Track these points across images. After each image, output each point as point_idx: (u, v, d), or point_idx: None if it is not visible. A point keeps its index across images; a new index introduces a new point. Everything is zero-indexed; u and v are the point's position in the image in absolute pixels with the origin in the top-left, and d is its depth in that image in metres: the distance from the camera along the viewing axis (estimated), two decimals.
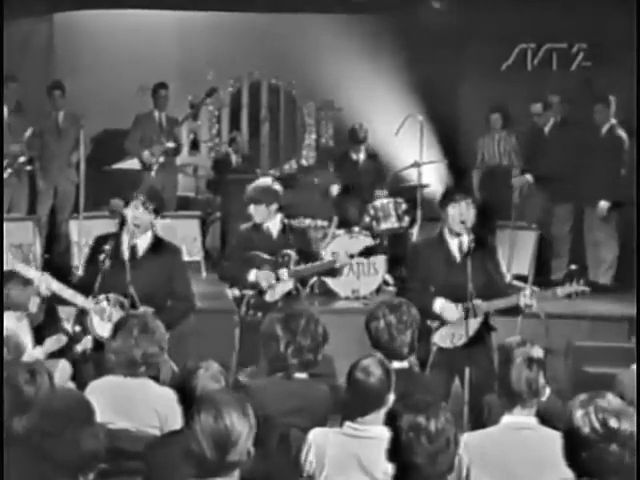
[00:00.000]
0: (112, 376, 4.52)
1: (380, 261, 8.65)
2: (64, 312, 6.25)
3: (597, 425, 2.91)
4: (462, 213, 5.65)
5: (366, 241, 8.31)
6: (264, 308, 6.39)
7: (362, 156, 9.43)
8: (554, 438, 3.31)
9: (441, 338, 5.63)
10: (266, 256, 6.46)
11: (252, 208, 6.53)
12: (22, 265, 5.80)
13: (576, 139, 9.18)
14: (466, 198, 5.71)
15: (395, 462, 3.20)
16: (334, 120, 11.59)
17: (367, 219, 8.81)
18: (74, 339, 5.79)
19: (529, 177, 9.43)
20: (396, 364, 4.48)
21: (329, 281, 8.39)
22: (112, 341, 4.54)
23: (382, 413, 3.83)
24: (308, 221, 9.17)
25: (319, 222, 9.27)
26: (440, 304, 5.60)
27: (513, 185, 9.61)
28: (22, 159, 9.20)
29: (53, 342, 5.91)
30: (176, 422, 4.10)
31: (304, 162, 11.70)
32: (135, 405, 4.40)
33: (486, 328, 5.72)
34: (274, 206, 6.55)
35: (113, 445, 3.81)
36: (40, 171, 9.71)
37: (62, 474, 3.14)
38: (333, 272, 6.78)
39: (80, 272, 6.31)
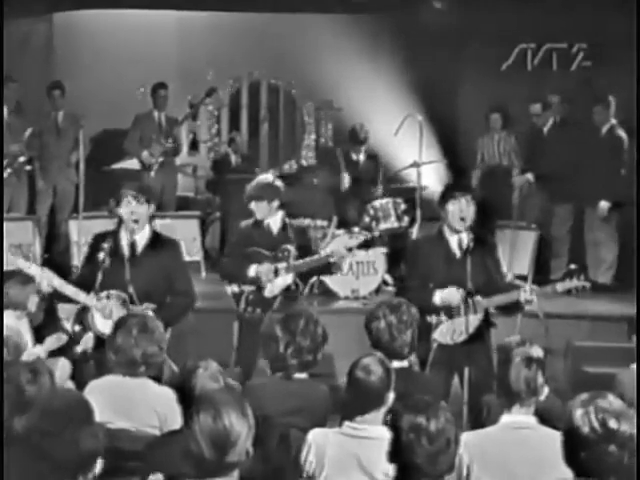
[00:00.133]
0: (112, 376, 4.52)
1: (380, 261, 8.65)
2: (64, 311, 6.26)
3: (596, 425, 2.91)
4: (462, 209, 5.65)
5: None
6: (263, 304, 6.38)
7: (362, 157, 9.42)
8: (553, 437, 3.30)
9: (441, 334, 5.63)
10: (266, 252, 6.46)
11: (253, 205, 6.52)
12: (23, 261, 5.79)
13: (576, 139, 9.18)
14: (466, 195, 5.70)
15: (395, 463, 3.20)
16: (334, 120, 11.59)
17: (367, 219, 8.80)
18: (74, 338, 5.79)
19: (530, 176, 9.43)
20: (396, 363, 4.48)
21: (328, 281, 8.38)
22: (112, 340, 4.54)
23: (382, 412, 3.84)
24: (308, 221, 9.16)
25: (319, 222, 9.26)
26: (440, 293, 5.60)
27: (514, 184, 9.61)
28: (22, 159, 9.20)
29: (53, 341, 5.92)
30: (175, 422, 4.10)
31: (304, 162, 11.70)
32: (135, 405, 4.40)
33: (486, 325, 5.72)
34: (275, 203, 6.54)
35: (112, 445, 3.81)
36: (40, 171, 9.71)
37: (61, 474, 3.13)
38: (333, 267, 6.73)
39: (79, 270, 6.27)
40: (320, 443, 3.96)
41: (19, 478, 3.21)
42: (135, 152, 9.74)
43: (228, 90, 11.57)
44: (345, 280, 8.45)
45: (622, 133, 9.00)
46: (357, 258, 8.32)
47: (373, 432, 3.82)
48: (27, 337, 5.85)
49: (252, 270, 6.41)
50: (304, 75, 11.13)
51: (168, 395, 4.24)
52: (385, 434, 3.26)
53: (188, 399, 3.83)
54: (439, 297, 5.61)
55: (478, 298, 5.56)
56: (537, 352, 3.98)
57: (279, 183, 6.66)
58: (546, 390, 4.23)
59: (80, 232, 8.72)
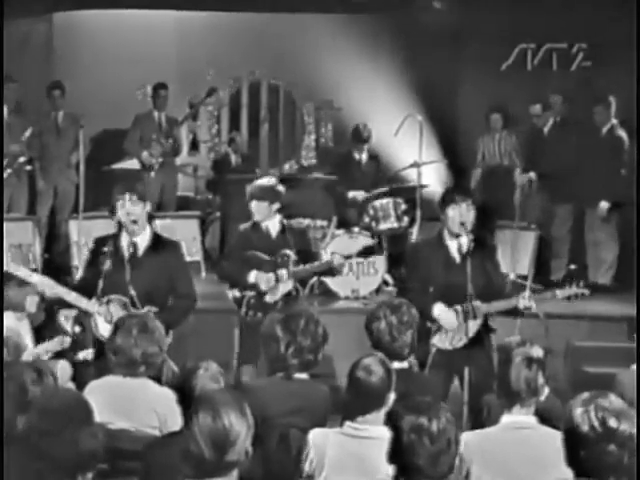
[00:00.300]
0: (112, 376, 4.52)
1: (380, 261, 8.65)
2: (63, 313, 6.25)
3: (596, 424, 2.90)
4: (462, 214, 5.63)
5: (365, 241, 8.31)
6: (264, 309, 6.39)
7: (364, 156, 9.41)
8: (554, 437, 3.31)
9: (440, 340, 5.63)
10: (265, 256, 6.46)
11: (254, 204, 6.52)
12: (25, 270, 5.77)
13: (576, 139, 9.17)
14: (466, 199, 5.68)
15: (396, 464, 3.20)
16: (334, 120, 11.58)
17: (366, 219, 8.80)
18: (75, 340, 5.79)
19: (532, 175, 9.42)
20: (396, 364, 4.48)
21: (329, 281, 8.38)
22: (111, 341, 4.53)
23: (382, 413, 3.83)
24: (307, 221, 9.16)
25: (318, 222, 9.26)
26: (439, 310, 5.59)
27: (515, 182, 9.59)
28: (22, 159, 9.19)
29: (55, 344, 5.91)
30: (175, 422, 4.10)
31: (304, 162, 11.70)
32: (134, 405, 4.39)
33: (485, 329, 5.71)
34: (276, 205, 6.55)
35: (112, 445, 3.81)
36: (40, 171, 9.70)
37: (60, 474, 3.14)
38: (333, 271, 6.77)
39: (80, 274, 6.27)
40: (320, 443, 3.95)
41: (19, 478, 3.21)
42: (135, 152, 9.74)
43: (228, 90, 11.56)
44: (345, 280, 8.44)
45: (622, 133, 8.99)
46: (357, 258, 8.31)
47: (374, 432, 3.82)
48: (27, 338, 5.85)
49: (252, 276, 6.42)
50: (304, 75, 11.13)
51: (168, 395, 4.24)
52: (386, 434, 3.26)
53: (188, 400, 3.83)
54: (437, 313, 5.59)
55: (477, 303, 5.55)
56: (537, 352, 3.98)
57: (281, 188, 6.67)
58: (546, 390, 4.24)
59: (80, 232, 8.72)
